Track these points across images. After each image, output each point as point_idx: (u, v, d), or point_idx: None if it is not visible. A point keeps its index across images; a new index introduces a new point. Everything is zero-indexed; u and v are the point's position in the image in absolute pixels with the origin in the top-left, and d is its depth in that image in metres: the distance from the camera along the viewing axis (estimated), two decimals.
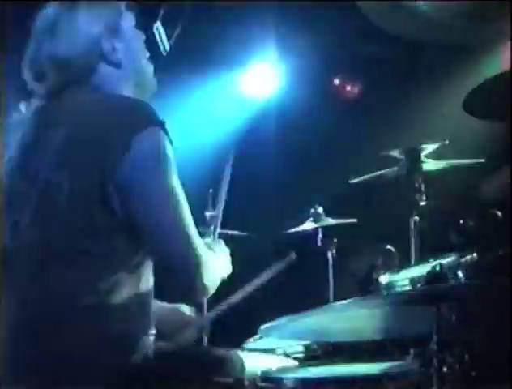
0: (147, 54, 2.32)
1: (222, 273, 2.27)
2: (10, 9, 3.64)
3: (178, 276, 2.07)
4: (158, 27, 3.44)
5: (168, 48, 3.06)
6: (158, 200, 2.03)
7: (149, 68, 2.31)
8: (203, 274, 2.07)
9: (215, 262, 2.20)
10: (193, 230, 2.07)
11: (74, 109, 2.09)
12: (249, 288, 2.57)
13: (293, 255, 2.78)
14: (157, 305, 2.31)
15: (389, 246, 3.72)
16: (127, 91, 2.21)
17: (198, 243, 2.08)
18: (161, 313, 2.37)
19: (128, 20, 2.26)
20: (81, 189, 1.99)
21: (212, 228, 2.64)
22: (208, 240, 2.43)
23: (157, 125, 2.04)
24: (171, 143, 2.07)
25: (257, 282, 2.60)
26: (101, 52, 2.17)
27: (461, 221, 3.25)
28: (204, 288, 2.11)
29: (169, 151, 2.05)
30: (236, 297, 2.54)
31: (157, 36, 3.47)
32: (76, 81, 2.15)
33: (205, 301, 3.33)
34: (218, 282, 2.21)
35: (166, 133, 2.06)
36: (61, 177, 2.00)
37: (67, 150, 2.03)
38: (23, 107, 2.20)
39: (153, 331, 2.13)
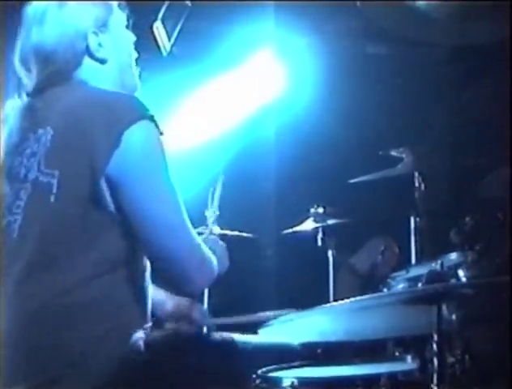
0: (135, 56, 2.29)
1: (218, 267, 2.26)
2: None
3: (176, 270, 2.04)
4: (158, 27, 3.43)
5: (168, 48, 3.06)
6: (152, 194, 2.01)
7: (134, 69, 2.27)
8: (202, 266, 2.07)
9: (212, 256, 2.20)
10: (188, 223, 2.05)
11: (61, 106, 2.06)
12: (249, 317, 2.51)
13: None
14: (166, 296, 2.33)
15: (389, 246, 3.72)
16: (110, 88, 2.18)
17: (195, 235, 2.08)
18: (177, 302, 2.38)
19: (118, 19, 2.24)
20: (72, 187, 1.98)
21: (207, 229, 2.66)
22: (203, 236, 2.43)
23: (147, 118, 2.01)
24: (162, 135, 2.04)
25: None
26: (87, 47, 2.15)
27: (461, 221, 3.25)
28: (202, 280, 2.11)
29: (161, 144, 2.03)
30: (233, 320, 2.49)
31: (157, 36, 3.46)
32: (60, 75, 2.12)
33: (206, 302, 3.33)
34: (215, 275, 2.20)
35: (157, 126, 2.03)
36: (51, 177, 1.99)
37: (56, 149, 2.01)
38: (9, 105, 2.18)
39: (149, 324, 2.13)
